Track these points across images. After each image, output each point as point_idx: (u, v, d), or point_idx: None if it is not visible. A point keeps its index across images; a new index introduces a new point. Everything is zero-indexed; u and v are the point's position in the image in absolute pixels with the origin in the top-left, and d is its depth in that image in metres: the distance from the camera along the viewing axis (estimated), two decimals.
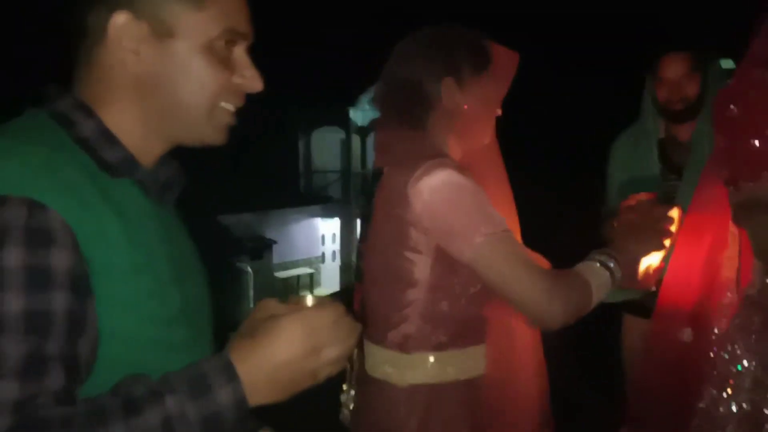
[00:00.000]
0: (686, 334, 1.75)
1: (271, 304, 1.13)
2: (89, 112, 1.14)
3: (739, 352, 1.68)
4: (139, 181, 1.16)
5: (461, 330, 1.73)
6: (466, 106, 1.75)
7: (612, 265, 1.68)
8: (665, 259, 1.86)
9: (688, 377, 1.73)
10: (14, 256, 0.96)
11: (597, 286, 1.65)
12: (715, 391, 1.69)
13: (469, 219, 1.60)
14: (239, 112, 1.23)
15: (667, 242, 1.82)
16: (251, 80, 1.20)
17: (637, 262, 1.77)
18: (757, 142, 1.59)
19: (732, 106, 1.64)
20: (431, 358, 1.73)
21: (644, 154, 2.91)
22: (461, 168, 1.65)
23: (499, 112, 1.85)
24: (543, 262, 1.77)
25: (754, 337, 1.66)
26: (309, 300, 1.13)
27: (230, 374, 1.03)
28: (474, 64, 1.76)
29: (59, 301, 0.98)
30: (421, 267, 1.68)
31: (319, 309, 1.10)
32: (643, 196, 2.60)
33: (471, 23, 1.80)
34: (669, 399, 1.77)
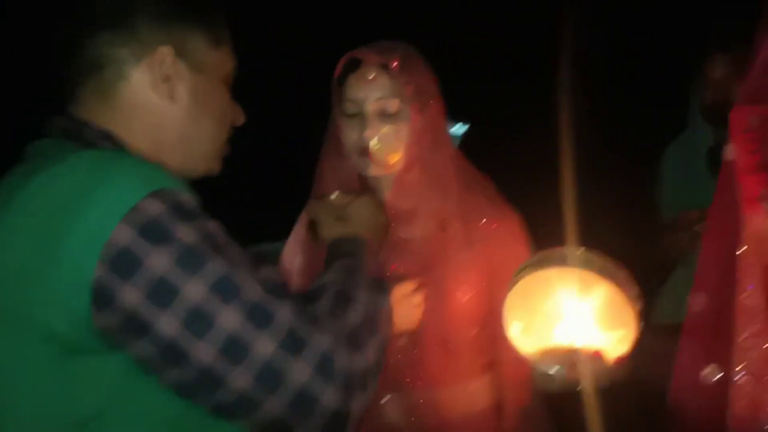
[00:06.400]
0: (711, 372, 1.55)
1: (323, 204, 1.64)
2: (113, 140, 1.18)
3: None
4: None
5: None
6: None
7: None
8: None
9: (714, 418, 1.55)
10: (192, 232, 1.04)
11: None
12: None
13: None
14: None
15: None
16: (239, 114, 1.34)
17: None
18: None
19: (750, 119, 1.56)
20: None
21: (694, 164, 2.70)
22: None
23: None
24: None
25: None
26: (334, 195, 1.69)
27: (363, 246, 1.48)
28: None
29: (236, 247, 1.11)
30: None
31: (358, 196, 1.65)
32: (694, 214, 2.40)
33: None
34: None
